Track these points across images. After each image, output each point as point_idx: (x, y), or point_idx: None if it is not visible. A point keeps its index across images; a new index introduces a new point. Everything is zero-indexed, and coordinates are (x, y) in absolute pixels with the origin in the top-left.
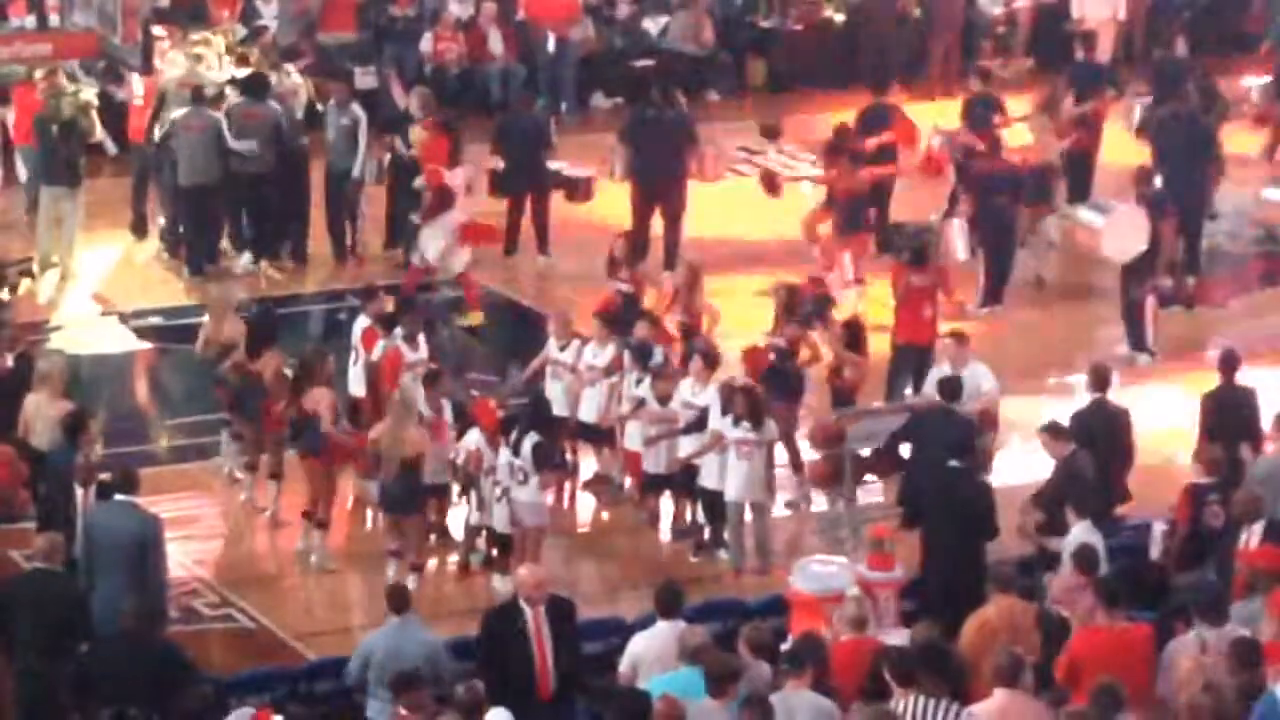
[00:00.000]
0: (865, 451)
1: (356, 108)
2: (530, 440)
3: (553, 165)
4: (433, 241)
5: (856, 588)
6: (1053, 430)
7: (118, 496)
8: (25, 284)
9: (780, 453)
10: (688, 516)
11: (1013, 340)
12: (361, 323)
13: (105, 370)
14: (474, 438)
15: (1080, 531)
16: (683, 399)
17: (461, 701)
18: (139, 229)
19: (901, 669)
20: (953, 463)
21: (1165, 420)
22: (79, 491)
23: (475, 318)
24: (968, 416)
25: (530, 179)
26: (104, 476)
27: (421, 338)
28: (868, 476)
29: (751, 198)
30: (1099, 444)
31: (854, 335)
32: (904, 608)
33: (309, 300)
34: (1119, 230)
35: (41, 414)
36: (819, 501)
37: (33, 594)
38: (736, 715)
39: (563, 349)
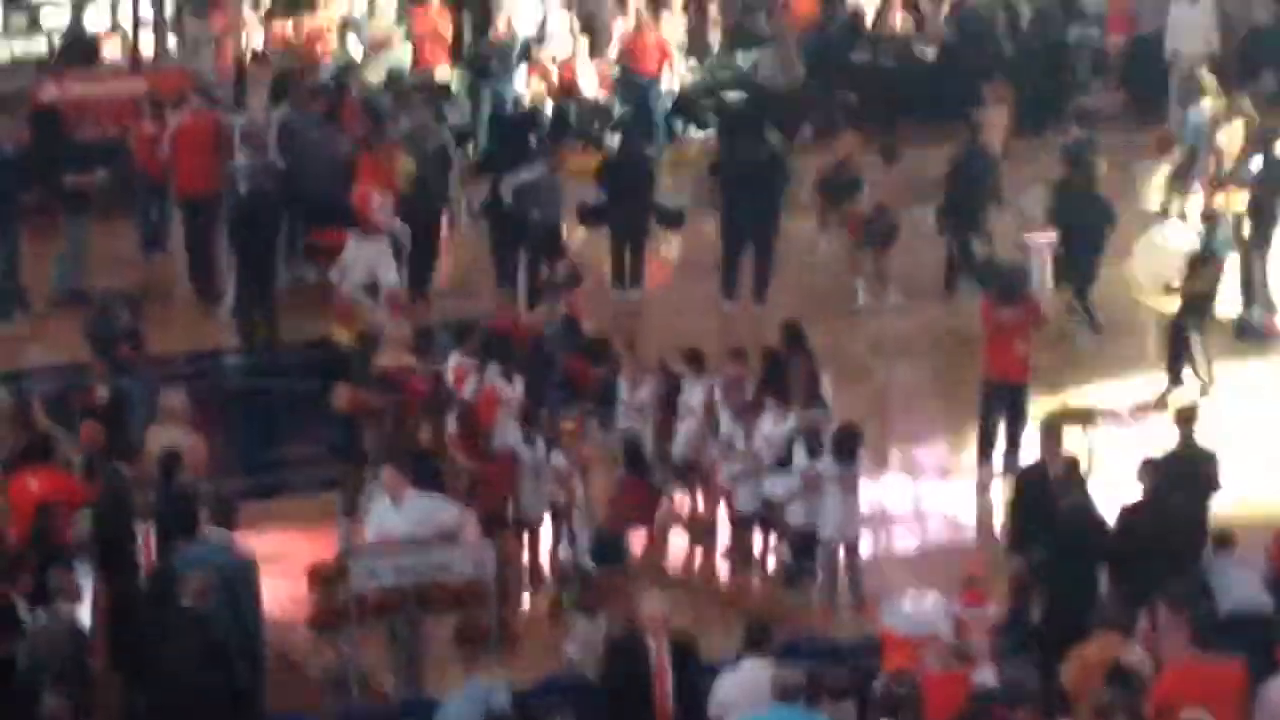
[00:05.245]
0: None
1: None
2: None
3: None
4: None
5: (950, 626)
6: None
7: (212, 529)
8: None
9: None
10: (780, 554)
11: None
12: (454, 360)
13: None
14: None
15: None
16: (762, 433)
17: None
18: None
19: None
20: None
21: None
22: (140, 526)
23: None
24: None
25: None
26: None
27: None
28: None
29: None
30: (1189, 489)
31: None
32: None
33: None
34: None
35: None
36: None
37: (172, 629)
38: None
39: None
